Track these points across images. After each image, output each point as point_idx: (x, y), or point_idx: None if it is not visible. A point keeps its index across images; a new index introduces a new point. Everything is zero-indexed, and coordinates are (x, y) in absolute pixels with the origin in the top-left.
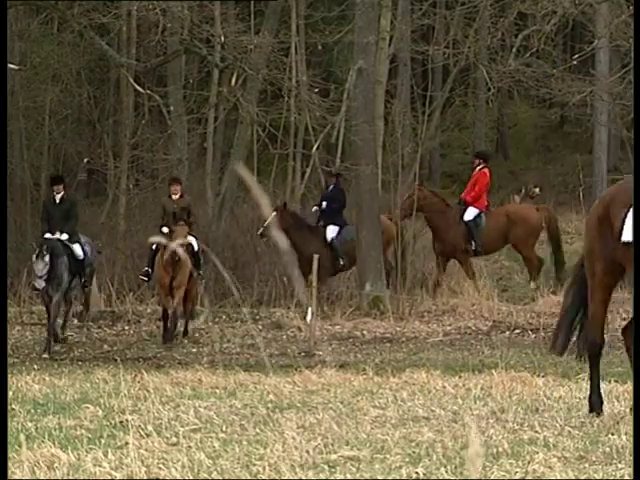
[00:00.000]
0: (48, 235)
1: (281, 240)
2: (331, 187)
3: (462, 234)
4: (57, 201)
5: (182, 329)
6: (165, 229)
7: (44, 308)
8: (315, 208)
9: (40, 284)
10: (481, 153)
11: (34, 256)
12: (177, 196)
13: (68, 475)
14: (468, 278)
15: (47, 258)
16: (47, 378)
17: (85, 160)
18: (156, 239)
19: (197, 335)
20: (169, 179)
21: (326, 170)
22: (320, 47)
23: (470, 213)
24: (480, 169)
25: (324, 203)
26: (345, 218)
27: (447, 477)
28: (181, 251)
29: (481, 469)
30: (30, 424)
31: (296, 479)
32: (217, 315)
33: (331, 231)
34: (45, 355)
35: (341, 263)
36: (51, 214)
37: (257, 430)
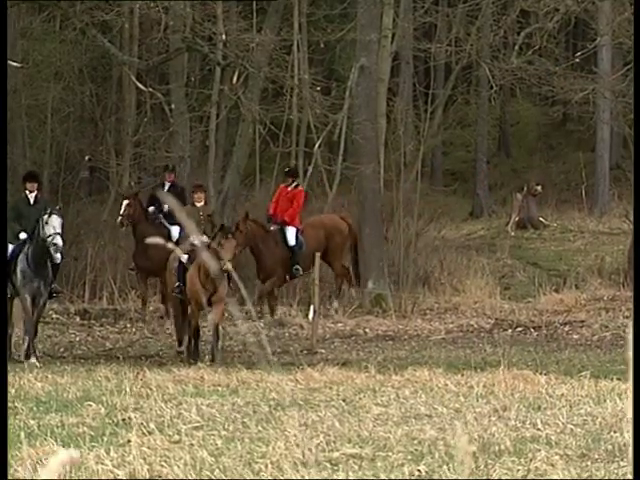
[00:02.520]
0: (24, 235)
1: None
2: (167, 185)
3: (284, 259)
4: (31, 201)
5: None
6: (196, 240)
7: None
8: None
9: (58, 240)
10: (292, 170)
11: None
12: (201, 203)
13: (70, 473)
14: (260, 299)
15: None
16: (49, 376)
17: (87, 158)
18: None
19: (200, 333)
20: (192, 186)
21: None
22: (322, 45)
23: (291, 236)
24: (295, 187)
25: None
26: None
27: (449, 474)
28: (216, 267)
29: (483, 467)
30: (32, 422)
31: (298, 477)
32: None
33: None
34: (33, 360)
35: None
36: (24, 215)
37: (259, 428)
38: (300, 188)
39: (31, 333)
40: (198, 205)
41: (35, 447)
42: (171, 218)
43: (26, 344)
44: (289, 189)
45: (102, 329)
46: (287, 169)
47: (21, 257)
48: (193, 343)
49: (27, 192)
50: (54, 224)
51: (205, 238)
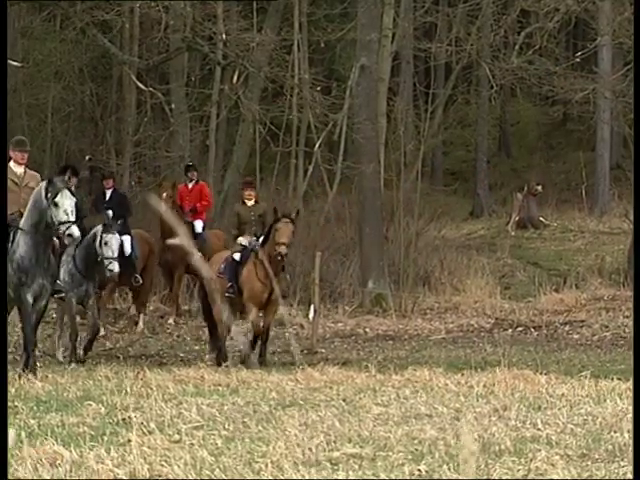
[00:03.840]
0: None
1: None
2: (109, 192)
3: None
4: (107, 197)
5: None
6: (244, 240)
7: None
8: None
9: (114, 267)
10: (194, 166)
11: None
12: (252, 202)
13: (71, 472)
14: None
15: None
16: (50, 375)
17: (87, 157)
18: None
19: (200, 332)
20: (242, 182)
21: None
22: (322, 45)
23: (199, 226)
24: (197, 182)
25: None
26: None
27: (449, 475)
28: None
29: (483, 466)
30: (33, 421)
31: (298, 477)
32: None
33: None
34: (73, 365)
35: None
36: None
37: (259, 427)
38: (202, 182)
39: (74, 337)
40: (249, 204)
41: (35, 447)
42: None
43: (70, 348)
44: (190, 186)
45: (102, 328)
46: (189, 164)
47: (66, 258)
48: (261, 344)
49: (105, 189)
50: (113, 247)
51: (254, 240)
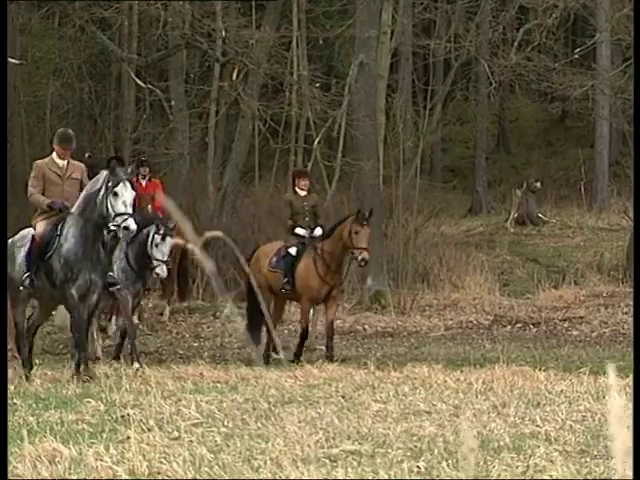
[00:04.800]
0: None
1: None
2: None
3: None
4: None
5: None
6: (301, 230)
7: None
8: None
9: (162, 271)
10: (147, 161)
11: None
12: (305, 192)
13: (70, 469)
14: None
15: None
16: (49, 372)
17: (87, 155)
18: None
19: (199, 330)
20: (295, 172)
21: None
22: (321, 41)
23: None
24: (150, 179)
25: None
26: None
27: (448, 471)
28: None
29: (482, 463)
30: (32, 418)
31: (297, 473)
32: (218, 310)
33: None
34: (136, 365)
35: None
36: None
37: (258, 424)
38: (154, 180)
39: (133, 336)
40: (301, 194)
41: (35, 444)
42: None
43: (130, 348)
44: (143, 184)
45: (101, 325)
46: (143, 159)
47: (119, 254)
48: (327, 339)
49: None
50: (164, 251)
51: (306, 232)
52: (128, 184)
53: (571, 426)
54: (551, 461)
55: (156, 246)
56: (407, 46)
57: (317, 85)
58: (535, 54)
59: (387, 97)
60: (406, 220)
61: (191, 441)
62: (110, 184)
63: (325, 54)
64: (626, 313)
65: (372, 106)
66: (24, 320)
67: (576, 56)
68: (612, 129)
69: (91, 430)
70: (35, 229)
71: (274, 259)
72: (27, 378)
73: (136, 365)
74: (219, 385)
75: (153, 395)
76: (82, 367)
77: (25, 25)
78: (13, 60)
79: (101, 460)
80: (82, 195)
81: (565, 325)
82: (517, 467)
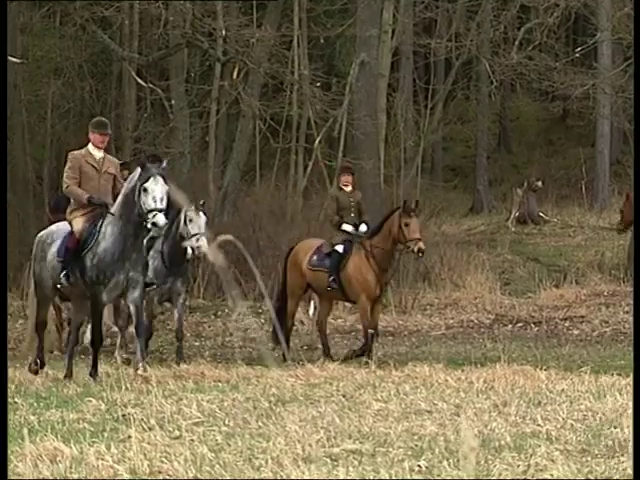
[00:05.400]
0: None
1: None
2: None
3: None
4: None
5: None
6: (348, 227)
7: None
8: None
9: (203, 242)
10: (127, 164)
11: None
12: (349, 188)
13: (71, 468)
14: None
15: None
16: (50, 372)
17: None
18: (346, 227)
19: (200, 329)
20: (340, 168)
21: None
22: (322, 40)
23: None
24: None
25: None
26: None
27: (449, 470)
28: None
29: (483, 462)
30: (33, 417)
31: (298, 472)
32: (219, 309)
33: None
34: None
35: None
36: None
37: (259, 423)
38: None
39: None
40: (346, 190)
41: (36, 443)
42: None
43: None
44: None
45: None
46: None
47: (153, 253)
48: (369, 341)
49: None
50: (199, 223)
51: (352, 228)
52: (159, 178)
53: (572, 425)
54: (552, 460)
55: (190, 221)
56: (408, 45)
57: (318, 84)
58: (536, 53)
59: (388, 96)
60: None
61: (192, 440)
62: (140, 180)
63: (326, 53)
64: (627, 312)
65: (373, 105)
66: (45, 320)
67: (577, 55)
68: (613, 128)
69: (92, 429)
70: (72, 225)
71: (315, 257)
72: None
73: (182, 366)
74: (220, 384)
75: (154, 394)
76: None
77: (26, 24)
78: (14, 59)
79: (102, 459)
80: (121, 195)
81: (566, 324)
82: (518, 466)
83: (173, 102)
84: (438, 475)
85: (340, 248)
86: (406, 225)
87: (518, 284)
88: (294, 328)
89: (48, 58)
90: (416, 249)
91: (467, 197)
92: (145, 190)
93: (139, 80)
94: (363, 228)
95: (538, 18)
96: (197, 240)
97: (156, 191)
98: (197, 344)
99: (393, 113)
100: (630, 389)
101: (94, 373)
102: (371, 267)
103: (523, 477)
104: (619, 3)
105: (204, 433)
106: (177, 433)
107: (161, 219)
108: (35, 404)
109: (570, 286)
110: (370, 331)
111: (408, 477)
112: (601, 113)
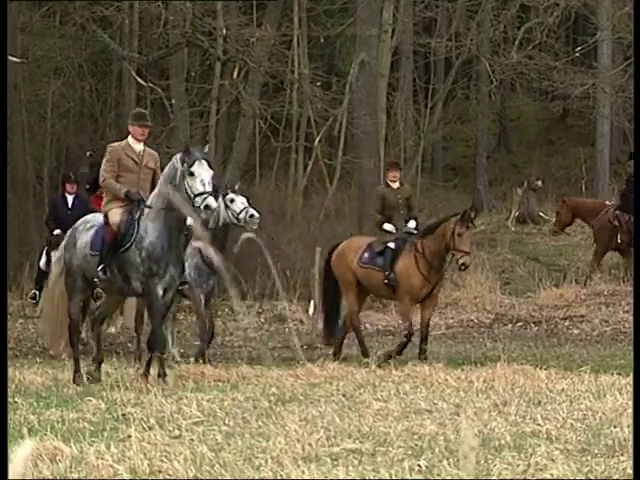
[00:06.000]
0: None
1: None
2: (72, 199)
3: None
4: (69, 204)
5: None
6: (389, 226)
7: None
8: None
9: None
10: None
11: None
12: (397, 184)
13: (71, 468)
14: None
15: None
16: (50, 371)
17: (88, 153)
18: (389, 228)
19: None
20: (388, 164)
21: None
22: (322, 40)
23: None
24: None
25: None
26: None
27: (449, 470)
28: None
29: (483, 462)
30: (33, 417)
31: (298, 472)
32: (219, 308)
33: None
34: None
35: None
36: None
37: (259, 423)
38: None
39: (206, 338)
40: (394, 186)
41: (35, 442)
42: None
43: (200, 348)
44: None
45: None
46: (88, 186)
47: (191, 251)
48: (421, 340)
49: None
50: (241, 199)
51: (393, 227)
52: (204, 162)
53: (572, 425)
54: (552, 460)
55: (232, 201)
56: (408, 45)
57: (318, 84)
58: (536, 53)
59: (388, 96)
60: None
61: (192, 440)
62: (186, 164)
63: (326, 53)
64: (627, 312)
65: (373, 105)
66: (79, 312)
67: (577, 55)
68: (613, 127)
69: (92, 429)
70: (109, 217)
71: (366, 254)
72: (79, 377)
73: (209, 366)
74: (220, 384)
75: (154, 393)
76: (151, 367)
77: (26, 24)
78: (14, 59)
79: (102, 459)
80: (158, 187)
81: (566, 324)
82: (518, 466)
83: (173, 101)
84: (438, 475)
85: (393, 245)
86: (459, 235)
87: (518, 283)
88: (294, 328)
89: (48, 58)
90: (460, 262)
91: (467, 197)
92: (192, 174)
93: (139, 79)
94: (412, 224)
95: (538, 17)
96: (246, 213)
97: (203, 174)
98: (197, 343)
99: (393, 112)
100: (630, 388)
101: (146, 376)
102: (419, 269)
103: (523, 477)
104: (619, 2)
105: (204, 432)
106: (177, 432)
107: (212, 201)
108: (35, 403)
109: (570, 285)
110: (410, 330)
111: (408, 476)
112: (601, 113)
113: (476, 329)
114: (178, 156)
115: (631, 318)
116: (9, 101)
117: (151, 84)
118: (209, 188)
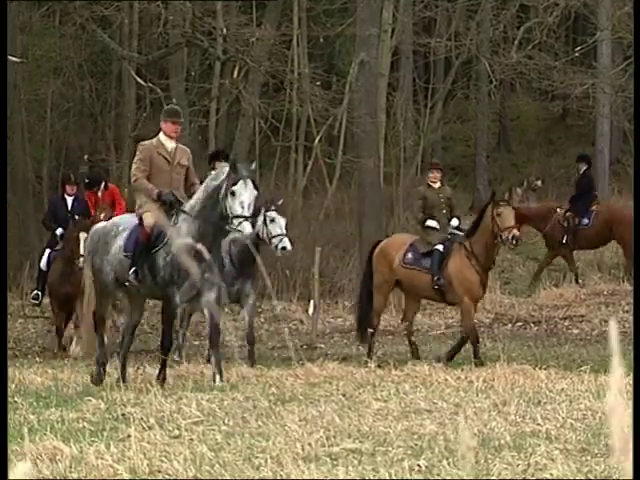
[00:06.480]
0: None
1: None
2: (71, 200)
3: None
4: (69, 205)
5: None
6: (433, 222)
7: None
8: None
9: (286, 243)
10: (97, 176)
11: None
12: (438, 184)
13: (71, 467)
14: None
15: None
16: (49, 371)
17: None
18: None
19: (200, 328)
20: (429, 164)
21: None
22: (322, 39)
23: None
24: (106, 187)
25: None
26: None
27: (449, 470)
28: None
29: (483, 461)
30: (32, 417)
31: (298, 472)
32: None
33: None
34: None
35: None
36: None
37: (259, 423)
38: (111, 186)
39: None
40: (435, 186)
41: (35, 442)
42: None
43: (247, 352)
44: (99, 194)
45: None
46: (87, 180)
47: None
48: (464, 342)
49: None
50: (280, 223)
51: (436, 223)
52: (249, 183)
53: (572, 424)
54: (552, 459)
55: (272, 221)
56: (408, 44)
57: (318, 83)
58: (536, 52)
59: (388, 95)
60: (407, 218)
61: (192, 439)
62: (229, 182)
63: (326, 52)
64: (627, 311)
65: (373, 104)
66: (107, 316)
67: (577, 54)
68: (613, 127)
69: (92, 428)
70: (144, 218)
71: (409, 254)
72: (99, 379)
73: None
74: (220, 383)
75: (154, 393)
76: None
77: (26, 23)
78: (14, 58)
79: (102, 458)
80: (200, 192)
81: (566, 323)
82: (518, 465)
83: (173, 101)
84: (438, 474)
85: (441, 247)
86: (498, 215)
87: (518, 283)
88: (294, 328)
89: (48, 57)
90: (510, 237)
91: (467, 196)
92: (233, 194)
93: (139, 79)
94: (455, 222)
95: (538, 17)
96: (280, 241)
97: (244, 196)
98: (197, 344)
99: (393, 112)
100: (630, 388)
101: (162, 378)
102: (473, 267)
103: (523, 476)
104: (619, 2)
105: (204, 432)
106: (177, 432)
107: (247, 227)
108: (35, 403)
109: (570, 285)
110: (473, 330)
111: (408, 476)
112: (601, 112)
113: (476, 329)
114: (225, 169)
115: (631, 318)
116: (9, 101)
117: (151, 84)
118: (247, 212)
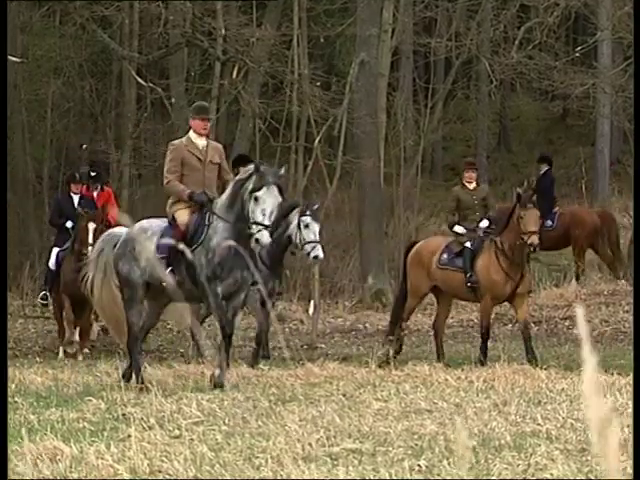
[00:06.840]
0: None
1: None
2: (77, 198)
3: None
4: (75, 203)
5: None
6: (460, 228)
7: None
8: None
9: (319, 252)
10: (96, 176)
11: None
12: (473, 184)
13: (71, 467)
14: None
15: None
16: (50, 371)
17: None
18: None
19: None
20: (464, 163)
21: None
22: (322, 40)
23: None
24: (102, 189)
25: None
26: None
27: (449, 470)
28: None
29: (483, 461)
30: (33, 417)
31: (298, 472)
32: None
33: None
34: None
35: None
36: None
37: (259, 423)
38: (107, 188)
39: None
40: (470, 186)
41: (35, 442)
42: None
43: (255, 349)
44: (95, 195)
45: (102, 324)
46: (93, 174)
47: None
48: (525, 341)
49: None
50: (315, 230)
51: (463, 229)
52: (274, 190)
53: (572, 424)
54: (552, 459)
55: (306, 227)
56: (408, 44)
57: (318, 83)
58: (536, 52)
59: (388, 95)
60: (407, 219)
61: (192, 439)
62: (253, 186)
63: (326, 52)
64: (627, 311)
65: (373, 104)
66: (140, 321)
67: (577, 54)
68: (613, 127)
69: (92, 428)
70: (177, 218)
71: (444, 255)
72: (142, 384)
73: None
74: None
75: (154, 393)
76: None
77: (26, 23)
78: (14, 58)
79: (102, 458)
80: (227, 192)
81: (566, 323)
82: (518, 465)
83: (173, 101)
84: (438, 474)
85: (469, 244)
86: (521, 217)
87: None
88: (294, 328)
89: (48, 57)
90: (529, 242)
91: None
92: (256, 200)
93: (139, 79)
94: (484, 224)
95: (538, 17)
96: (313, 249)
97: (267, 203)
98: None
99: (393, 112)
100: (630, 388)
101: (222, 374)
102: (500, 266)
103: (523, 476)
104: (619, 2)
105: (204, 432)
106: (177, 432)
107: (265, 237)
108: (35, 403)
109: (570, 285)
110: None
111: (408, 476)
112: (601, 112)
113: (476, 329)
114: (250, 171)
115: (631, 318)
116: (9, 101)
117: (151, 84)
118: (267, 221)
